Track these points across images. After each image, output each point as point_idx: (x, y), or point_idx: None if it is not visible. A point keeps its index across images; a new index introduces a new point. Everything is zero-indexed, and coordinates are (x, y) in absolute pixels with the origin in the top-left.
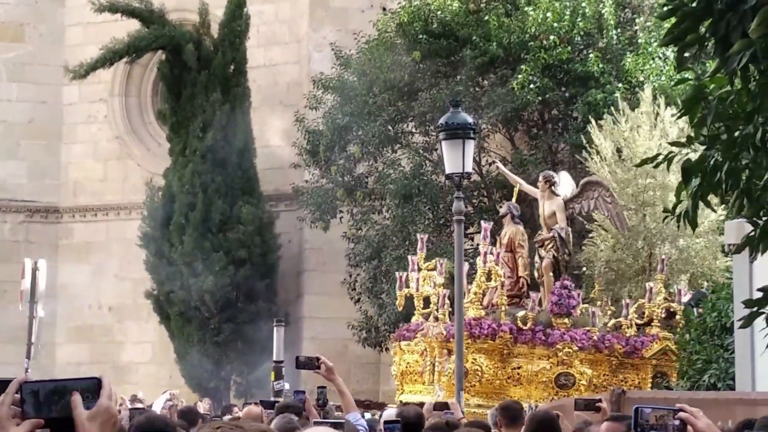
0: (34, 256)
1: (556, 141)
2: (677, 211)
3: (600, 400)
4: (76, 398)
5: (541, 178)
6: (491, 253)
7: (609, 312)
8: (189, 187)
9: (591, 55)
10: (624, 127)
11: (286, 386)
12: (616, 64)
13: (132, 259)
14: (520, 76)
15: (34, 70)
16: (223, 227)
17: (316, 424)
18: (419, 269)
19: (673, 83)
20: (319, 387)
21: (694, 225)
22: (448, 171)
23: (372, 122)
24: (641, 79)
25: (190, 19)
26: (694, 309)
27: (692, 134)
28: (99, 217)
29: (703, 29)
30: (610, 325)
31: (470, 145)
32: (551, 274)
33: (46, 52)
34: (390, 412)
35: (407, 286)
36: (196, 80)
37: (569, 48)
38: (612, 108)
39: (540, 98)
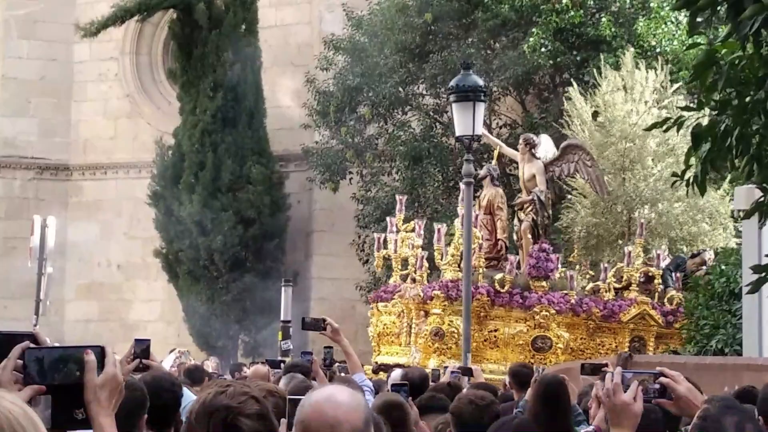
0: (43, 213)
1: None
2: (686, 176)
3: (606, 365)
4: (91, 359)
5: (521, 141)
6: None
7: (588, 276)
8: (199, 147)
9: (603, 19)
10: (604, 89)
11: (290, 345)
12: (629, 28)
13: (141, 217)
14: (531, 39)
15: (45, 28)
16: (233, 187)
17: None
18: (398, 230)
19: (684, 48)
20: (325, 347)
21: (702, 190)
22: (458, 133)
23: (382, 84)
24: (653, 43)
25: None
26: (673, 274)
27: (671, 98)
28: (109, 175)
29: None
30: (588, 288)
31: (481, 108)
32: (530, 237)
33: (57, 9)
34: (397, 374)
35: (385, 248)
36: (207, 39)
37: (581, 11)
38: (595, 71)
39: (551, 62)
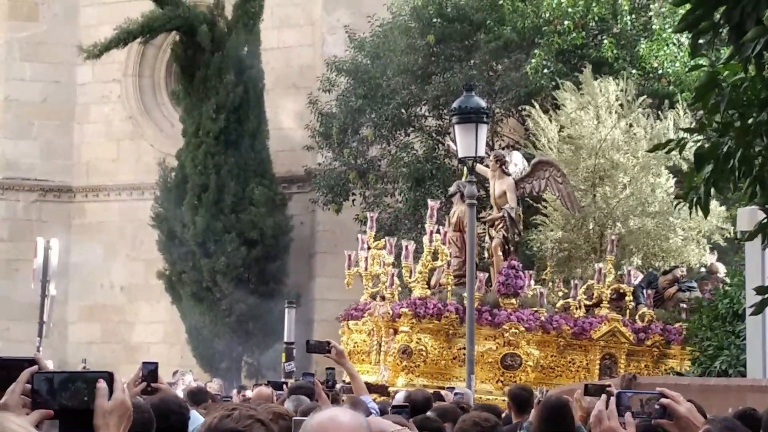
0: (46, 235)
1: None
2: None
3: (609, 386)
4: (102, 387)
5: (491, 158)
6: (437, 232)
7: (561, 293)
8: (202, 168)
9: (605, 41)
10: (569, 109)
11: (293, 367)
12: (630, 50)
13: (144, 239)
14: (533, 60)
15: (48, 50)
16: (236, 208)
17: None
18: (368, 248)
19: (687, 70)
20: (327, 368)
21: (706, 212)
22: (460, 155)
23: (385, 105)
24: (655, 65)
25: (205, 0)
26: (644, 291)
27: (637, 111)
28: (111, 197)
29: (717, 16)
30: (558, 306)
31: (483, 129)
32: (500, 254)
33: (60, 31)
34: (400, 396)
35: (356, 265)
36: (210, 61)
37: (583, 33)
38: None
39: (553, 83)
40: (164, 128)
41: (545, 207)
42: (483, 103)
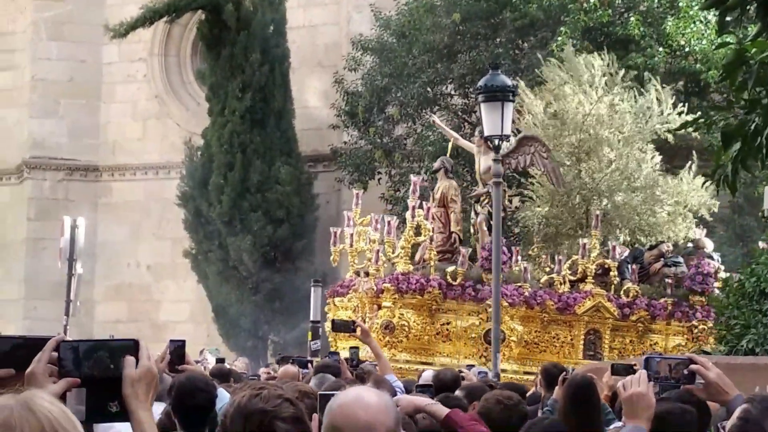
0: (73, 214)
1: None
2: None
3: (635, 365)
4: (130, 359)
5: (476, 133)
6: (420, 207)
7: (548, 269)
8: (228, 147)
9: (632, 18)
10: (553, 85)
11: (319, 346)
12: (657, 28)
13: (170, 218)
14: (559, 38)
15: (74, 29)
16: (262, 187)
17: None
18: (354, 225)
19: (714, 47)
20: (351, 347)
21: (733, 189)
22: (486, 133)
23: (411, 84)
24: (682, 42)
25: None
26: (629, 266)
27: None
28: (138, 176)
29: None
30: (543, 281)
31: (509, 108)
32: (486, 229)
33: (86, 11)
34: (427, 375)
35: (342, 242)
36: (236, 40)
37: (609, 11)
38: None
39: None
40: (190, 107)
41: (531, 183)
42: (509, 82)
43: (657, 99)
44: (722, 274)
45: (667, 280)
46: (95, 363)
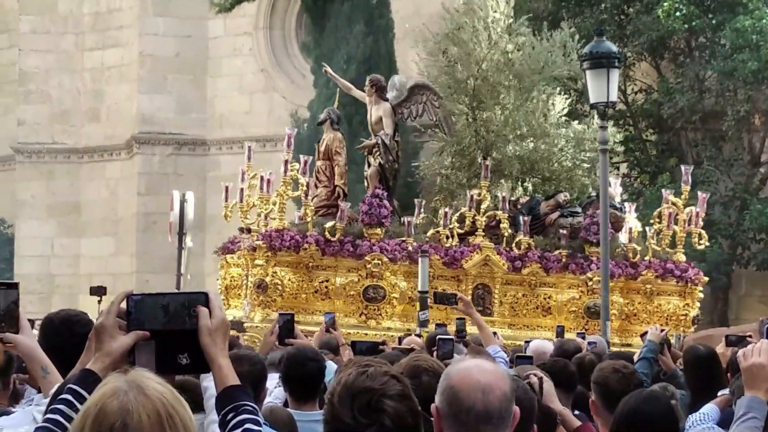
0: (182, 188)
1: (704, 68)
2: None
3: (750, 335)
4: (204, 310)
5: (367, 82)
6: (297, 161)
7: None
8: None
9: None
10: (449, 26)
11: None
12: None
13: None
14: (665, 3)
15: (180, 5)
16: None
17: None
18: (246, 179)
19: None
20: (458, 318)
21: None
22: (592, 100)
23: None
24: None
25: None
26: (523, 217)
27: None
28: (245, 149)
29: None
30: (429, 235)
31: (615, 74)
32: (377, 182)
33: None
34: (534, 346)
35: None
36: (340, 11)
37: None
38: None
39: (686, 26)
40: (296, 80)
41: (429, 133)
42: (614, 48)
43: (565, 45)
44: (633, 223)
45: (562, 231)
46: (165, 316)
